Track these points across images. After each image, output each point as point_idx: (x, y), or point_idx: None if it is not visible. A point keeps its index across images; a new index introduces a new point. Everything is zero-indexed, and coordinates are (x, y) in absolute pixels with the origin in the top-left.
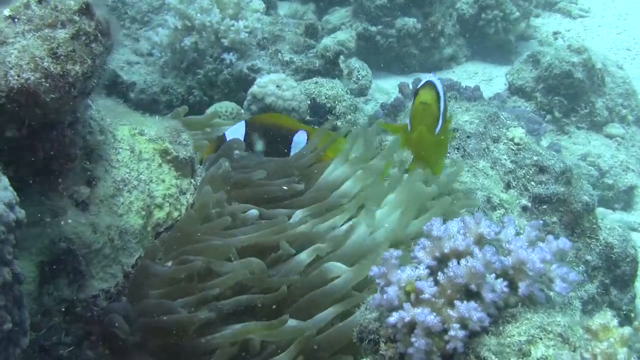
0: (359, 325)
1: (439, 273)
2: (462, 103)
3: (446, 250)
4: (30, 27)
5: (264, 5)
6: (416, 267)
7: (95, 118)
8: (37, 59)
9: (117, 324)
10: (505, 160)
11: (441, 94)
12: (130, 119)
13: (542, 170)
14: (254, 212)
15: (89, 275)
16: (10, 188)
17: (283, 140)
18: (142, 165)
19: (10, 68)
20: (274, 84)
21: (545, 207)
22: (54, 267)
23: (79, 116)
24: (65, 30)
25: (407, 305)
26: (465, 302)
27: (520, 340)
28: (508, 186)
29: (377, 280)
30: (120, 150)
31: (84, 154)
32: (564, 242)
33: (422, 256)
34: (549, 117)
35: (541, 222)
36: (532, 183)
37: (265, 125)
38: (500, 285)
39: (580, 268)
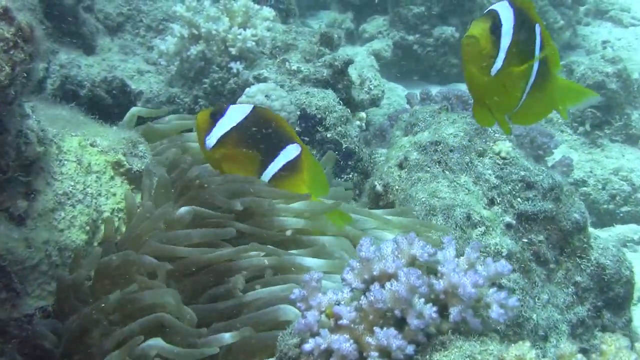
0: (278, 351)
1: (362, 297)
2: (451, 115)
3: (375, 273)
4: None
5: (274, 13)
6: (340, 291)
7: (33, 128)
8: None
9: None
10: (490, 175)
11: (507, 24)
12: (86, 129)
13: (529, 186)
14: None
15: (24, 293)
16: None
17: (274, 144)
18: (91, 178)
19: None
20: (262, 94)
21: (531, 224)
22: None
23: (8, 126)
24: None
25: (324, 332)
26: (385, 329)
27: None
28: (492, 202)
29: (298, 304)
30: (65, 162)
31: (21, 165)
32: (502, 266)
33: (350, 278)
34: (581, 129)
35: (480, 244)
36: (518, 199)
37: (269, 120)
38: (429, 310)
39: (570, 290)
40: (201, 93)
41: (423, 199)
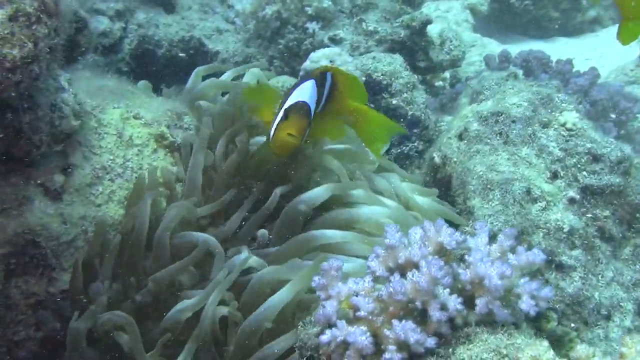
0: (299, 340)
1: (383, 288)
2: (517, 83)
3: (400, 261)
4: None
5: None
6: (361, 279)
7: (68, 102)
8: None
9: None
10: (554, 147)
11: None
12: (131, 100)
13: (595, 158)
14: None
15: (60, 268)
16: None
17: (294, 86)
18: (132, 152)
19: None
20: (327, 59)
21: (596, 199)
22: (20, 259)
23: (38, 101)
24: (1, 11)
25: (341, 323)
26: (403, 321)
27: None
28: (555, 176)
29: (318, 293)
30: (105, 135)
31: (57, 140)
32: (534, 255)
33: (374, 266)
34: None
35: (515, 230)
36: (584, 173)
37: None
38: (454, 301)
39: (637, 267)
40: (276, 54)
41: (480, 173)
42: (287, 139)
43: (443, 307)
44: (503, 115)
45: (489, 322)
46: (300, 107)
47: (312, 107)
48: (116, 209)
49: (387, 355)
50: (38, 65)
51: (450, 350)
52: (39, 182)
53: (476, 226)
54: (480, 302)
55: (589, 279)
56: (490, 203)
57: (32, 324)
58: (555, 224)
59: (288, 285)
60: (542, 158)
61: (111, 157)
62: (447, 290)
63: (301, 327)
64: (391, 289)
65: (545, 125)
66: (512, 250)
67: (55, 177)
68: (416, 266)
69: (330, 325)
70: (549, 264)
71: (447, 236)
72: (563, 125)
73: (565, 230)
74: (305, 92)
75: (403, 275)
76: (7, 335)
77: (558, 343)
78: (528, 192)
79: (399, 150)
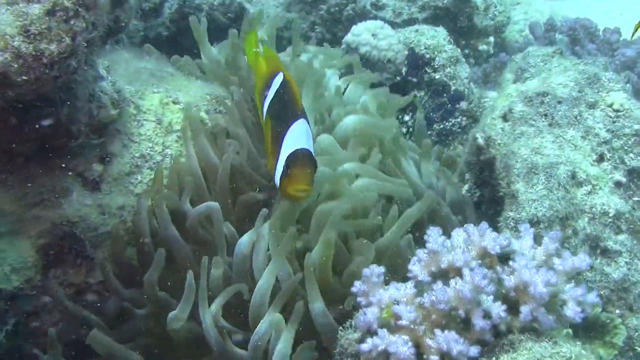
0: (339, 345)
1: (425, 295)
2: (563, 61)
3: (443, 266)
4: (3, 1)
5: None
6: (402, 285)
7: (106, 91)
8: (7, 37)
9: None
10: (600, 129)
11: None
12: (170, 84)
13: None
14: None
15: (97, 259)
16: None
17: (284, 122)
18: (171, 138)
19: None
20: (369, 33)
21: None
22: (58, 250)
23: (77, 93)
24: (39, 6)
25: (382, 332)
26: (446, 332)
27: None
28: (601, 159)
29: (359, 299)
30: (144, 122)
31: (95, 129)
32: (580, 260)
33: (417, 270)
34: None
35: (559, 234)
36: (631, 155)
37: (287, 94)
38: (498, 309)
39: None
40: (318, 20)
41: (525, 156)
42: (297, 194)
43: (486, 315)
44: (549, 96)
45: (533, 329)
46: (302, 158)
47: (311, 144)
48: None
49: None
50: (76, 59)
51: (494, 359)
52: (77, 172)
53: (521, 229)
54: (524, 310)
55: (635, 264)
56: (534, 187)
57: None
58: (600, 208)
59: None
60: (587, 140)
61: (150, 145)
62: (491, 297)
63: (341, 331)
64: (434, 298)
65: (592, 106)
66: (557, 253)
67: (93, 166)
68: (459, 271)
69: (371, 333)
70: (594, 249)
71: (491, 240)
72: (610, 106)
73: (611, 214)
74: (301, 135)
75: (445, 279)
76: (45, 327)
77: (602, 329)
78: (573, 175)
79: (442, 126)
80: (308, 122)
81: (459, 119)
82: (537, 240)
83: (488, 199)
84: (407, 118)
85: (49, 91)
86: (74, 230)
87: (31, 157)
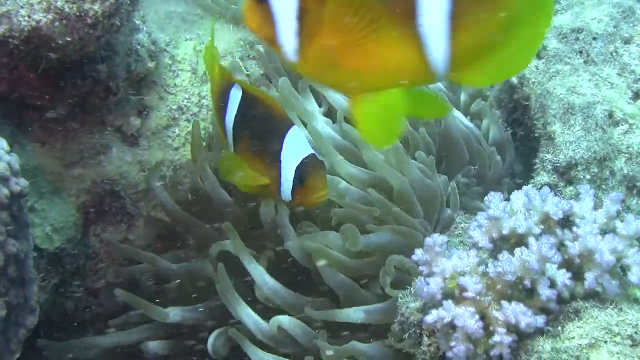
0: (400, 315)
1: (490, 265)
2: None
3: (505, 232)
4: None
5: None
6: (465, 253)
7: (143, 43)
8: None
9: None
10: (636, 65)
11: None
12: (202, 29)
13: None
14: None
15: (139, 216)
16: (7, 156)
17: (274, 135)
18: (206, 88)
19: (21, 7)
20: None
21: None
22: (99, 208)
23: (117, 48)
24: None
25: (448, 304)
26: (513, 304)
27: (580, 344)
28: (637, 96)
29: (420, 268)
30: (179, 72)
31: (133, 83)
32: None
33: (477, 236)
34: None
35: (621, 195)
36: None
37: (259, 106)
38: (563, 277)
39: None
40: None
41: (561, 96)
42: (318, 201)
43: (552, 284)
44: (584, 32)
45: (596, 295)
46: (314, 165)
47: (310, 147)
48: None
49: (496, 338)
50: (119, 18)
51: (560, 328)
52: (116, 127)
53: (580, 190)
54: (589, 276)
55: None
56: (571, 129)
57: (112, 272)
58: (637, 147)
59: None
60: (623, 77)
61: (187, 96)
62: (555, 265)
63: (401, 298)
64: (500, 269)
65: (627, 42)
66: (619, 215)
67: (131, 120)
68: (521, 238)
69: (435, 305)
70: (630, 189)
71: (554, 206)
72: None
73: None
74: (300, 142)
75: (507, 245)
76: (87, 284)
77: None
78: (610, 115)
79: None
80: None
81: None
82: (576, 181)
83: (521, 138)
84: None
85: (91, 51)
86: (114, 188)
87: (70, 115)
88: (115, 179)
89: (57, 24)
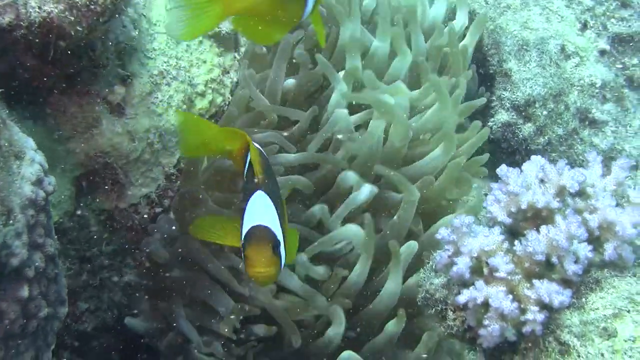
0: (424, 291)
1: (517, 244)
2: None
3: (523, 206)
4: None
5: None
6: (489, 231)
7: (128, 13)
8: None
9: (153, 250)
10: None
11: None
12: None
13: (624, 4)
14: (290, 81)
15: (128, 184)
16: (38, 156)
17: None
18: (181, 48)
19: None
20: None
21: (625, 47)
22: (91, 179)
23: (112, 26)
24: None
25: (479, 284)
26: (545, 281)
27: (605, 315)
28: (585, 27)
29: (446, 247)
30: (156, 35)
31: (118, 53)
32: None
33: (495, 211)
34: None
35: (630, 162)
36: (612, 20)
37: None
38: (585, 250)
39: None
40: None
41: (515, 32)
42: (260, 277)
43: (576, 260)
44: None
45: (616, 265)
46: (258, 236)
47: (276, 221)
48: (175, 116)
49: (529, 316)
50: (124, 1)
51: (584, 299)
52: (102, 97)
53: (588, 156)
54: (609, 247)
55: (619, 131)
56: (527, 65)
57: (103, 239)
58: (588, 79)
59: None
60: (571, 9)
61: (165, 60)
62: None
63: (423, 274)
64: (530, 249)
65: None
66: (626, 184)
67: (116, 88)
68: (538, 213)
69: (462, 284)
70: (583, 121)
71: (570, 179)
72: None
73: (597, 85)
74: (259, 208)
75: (524, 217)
76: (80, 252)
77: None
78: (562, 49)
79: None
80: (269, 194)
81: None
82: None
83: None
84: None
85: (96, 36)
86: (107, 160)
87: (63, 91)
88: (108, 151)
89: (67, 14)
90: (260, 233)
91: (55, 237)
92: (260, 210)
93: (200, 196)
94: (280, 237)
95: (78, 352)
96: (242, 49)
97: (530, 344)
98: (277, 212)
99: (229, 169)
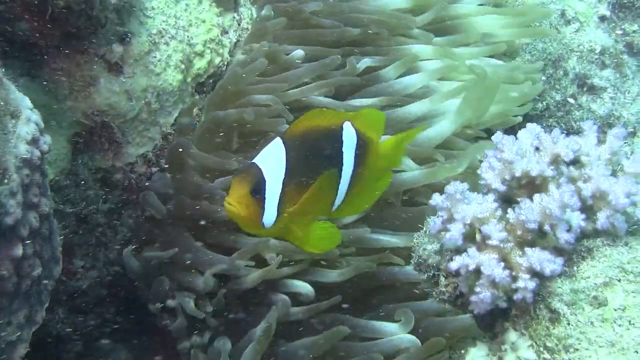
0: (417, 256)
1: (510, 212)
2: None
3: (517, 174)
4: None
5: None
6: (483, 198)
7: None
8: None
9: (152, 204)
10: None
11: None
12: None
13: None
14: (298, 52)
15: (125, 142)
16: (34, 115)
17: (330, 142)
18: (180, 7)
19: None
20: None
21: (625, 13)
22: (88, 138)
23: None
24: None
25: (472, 251)
26: (537, 249)
27: (595, 284)
28: None
29: (439, 213)
30: None
31: (117, 12)
32: None
33: (490, 178)
34: None
35: (624, 131)
36: None
37: (305, 135)
38: (578, 219)
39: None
40: None
41: None
42: (228, 209)
43: (569, 228)
44: None
45: (608, 234)
46: (242, 170)
47: (277, 175)
48: (174, 75)
49: (520, 284)
50: None
51: (575, 268)
52: (99, 55)
53: (584, 125)
54: (601, 216)
55: (618, 98)
56: None
57: (100, 198)
58: (588, 45)
59: None
60: None
61: (164, 19)
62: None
63: (416, 240)
64: (523, 217)
65: None
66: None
67: (114, 47)
68: (532, 180)
69: (455, 251)
70: (581, 87)
71: (564, 147)
72: None
73: (597, 51)
74: (268, 156)
75: (518, 185)
76: (76, 210)
77: None
78: (563, 14)
79: None
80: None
81: None
82: None
83: None
84: None
85: None
86: (104, 119)
87: (60, 49)
88: (105, 110)
89: None
90: (246, 169)
91: (51, 196)
92: (267, 154)
93: (191, 150)
94: (274, 186)
95: (73, 309)
96: (241, 9)
97: (521, 311)
98: (288, 168)
99: (224, 121)
